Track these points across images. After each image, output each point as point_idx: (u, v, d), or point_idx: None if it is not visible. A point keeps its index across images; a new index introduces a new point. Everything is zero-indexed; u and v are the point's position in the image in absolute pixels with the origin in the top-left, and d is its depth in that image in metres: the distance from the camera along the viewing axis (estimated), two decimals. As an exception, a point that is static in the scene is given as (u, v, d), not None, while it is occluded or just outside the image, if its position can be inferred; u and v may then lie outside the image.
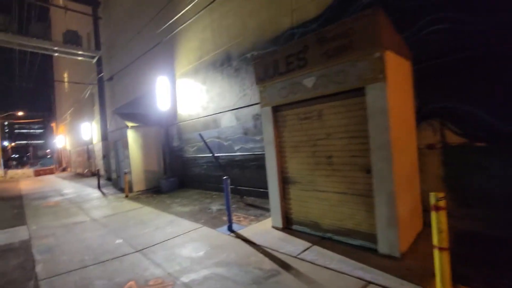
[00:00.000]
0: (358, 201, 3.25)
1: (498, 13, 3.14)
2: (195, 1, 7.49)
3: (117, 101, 13.82)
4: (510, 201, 3.10)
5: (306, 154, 3.81)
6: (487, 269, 2.56)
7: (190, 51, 8.44)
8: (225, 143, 7.21)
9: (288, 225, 4.13)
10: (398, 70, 3.16)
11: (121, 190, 10.12)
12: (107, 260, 3.61)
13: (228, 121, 7.10)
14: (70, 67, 22.80)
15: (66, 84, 25.71)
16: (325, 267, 2.88)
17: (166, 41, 9.08)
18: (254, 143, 6.36)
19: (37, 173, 24.39)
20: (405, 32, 3.77)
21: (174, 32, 8.61)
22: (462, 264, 2.62)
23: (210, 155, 7.71)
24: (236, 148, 6.89)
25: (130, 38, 11.67)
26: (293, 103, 3.85)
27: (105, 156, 14.80)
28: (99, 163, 16.24)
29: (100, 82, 14.84)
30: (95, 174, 17.13)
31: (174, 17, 8.40)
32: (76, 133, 22.82)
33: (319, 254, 3.21)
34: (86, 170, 18.77)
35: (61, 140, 29.48)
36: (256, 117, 6.26)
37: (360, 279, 2.60)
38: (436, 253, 2.17)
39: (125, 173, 8.62)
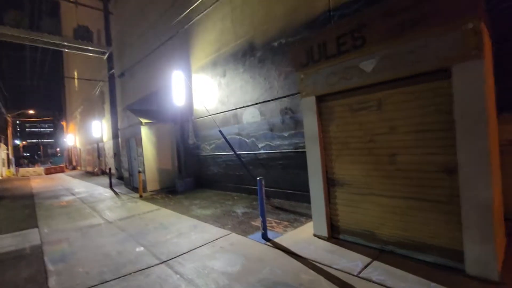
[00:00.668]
0: (434, 208, 2.67)
1: None
2: (214, -12, 6.98)
3: (129, 98, 13.44)
4: None
5: (359, 152, 3.24)
6: None
7: (207, 43, 7.93)
8: (247, 140, 6.68)
9: (334, 234, 3.57)
10: (487, 49, 2.56)
11: (134, 189, 9.71)
12: (130, 274, 3.12)
13: (250, 116, 6.56)
14: (81, 65, 22.62)
15: (76, 82, 25.61)
16: (401, 292, 2.32)
17: (181, 35, 8.61)
18: (282, 140, 5.81)
19: (48, 171, 24.36)
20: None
21: (190, 23, 8.12)
22: None
23: (230, 153, 7.20)
24: (260, 145, 6.35)
25: (142, 32, 11.24)
26: (345, 92, 3.28)
27: (116, 154, 14.47)
28: (110, 162, 15.95)
29: (111, 79, 14.51)
30: (105, 172, 16.85)
31: (190, 6, 7.90)
32: (86, 131, 22.66)
33: (385, 272, 2.64)
34: (96, 169, 18.54)
35: (71, 139, 29.48)
36: (285, 112, 5.71)
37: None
38: None
39: (139, 172, 8.18)
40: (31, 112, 28.86)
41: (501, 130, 3.10)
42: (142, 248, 3.92)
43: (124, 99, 13.98)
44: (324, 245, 3.44)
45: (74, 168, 27.50)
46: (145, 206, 6.77)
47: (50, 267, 3.48)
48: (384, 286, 2.43)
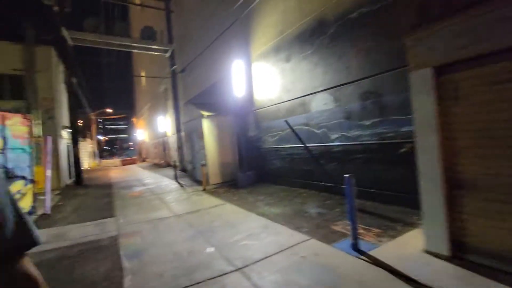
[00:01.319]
0: None
1: None
2: (278, -37, 6.30)
3: (189, 93, 13.83)
4: None
5: (507, 143, 2.25)
6: None
7: (268, 28, 7.33)
8: (317, 131, 5.93)
9: (458, 253, 2.65)
10: None
11: (197, 181, 9.87)
12: (203, 281, 2.77)
13: (321, 103, 5.78)
14: (147, 65, 24.53)
15: (143, 82, 28.03)
16: None
17: (240, 22, 8.20)
18: (362, 130, 4.91)
19: (123, 163, 27.46)
20: None
21: (250, 7, 7.62)
22: None
23: (295, 145, 6.55)
24: (333, 136, 5.54)
25: (201, 25, 11.26)
26: (483, 57, 2.31)
27: (179, 148, 15.18)
28: (174, 154, 16.90)
29: (173, 75, 15.16)
30: (170, 164, 17.98)
31: (250, -11, 7.39)
32: (153, 127, 24.66)
33: None
34: (162, 161, 19.95)
35: (140, 134, 32.64)
36: (366, 96, 4.79)
37: None
38: None
39: (202, 165, 8.16)
40: (108, 110, 32.85)
41: None
42: (212, 249, 3.59)
43: (185, 94, 14.47)
44: (446, 267, 2.56)
45: (143, 160, 30.43)
46: (209, 200, 6.64)
47: (125, 263, 3.39)
48: None
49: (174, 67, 14.94)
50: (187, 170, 11.65)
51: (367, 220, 4.08)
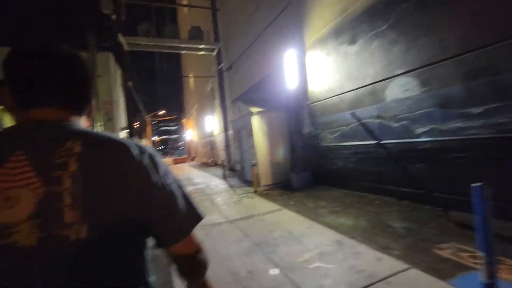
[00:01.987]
0: None
1: None
2: None
3: (236, 90, 13.49)
4: None
5: None
6: None
7: (326, 8, 6.39)
8: (394, 125, 4.83)
9: None
10: None
11: (246, 182, 9.37)
12: (275, 323, 2.08)
13: (399, 90, 4.67)
14: (194, 66, 25.24)
15: (191, 84, 29.02)
16: None
17: (291, 7, 7.39)
18: (466, 121, 3.72)
19: (175, 162, 28.83)
20: None
21: (305, -13, 6.76)
22: None
23: (364, 143, 5.52)
24: (418, 131, 4.41)
25: (248, 19, 10.73)
26: None
27: (227, 147, 15.00)
28: (221, 154, 16.84)
29: (220, 73, 15.03)
30: (217, 164, 18.04)
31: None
32: (201, 127, 25.29)
33: None
34: (210, 160, 20.18)
35: (189, 134, 34.01)
36: (473, 76, 3.59)
37: None
38: None
39: (253, 165, 7.59)
40: (161, 113, 35.08)
41: None
42: (277, 271, 2.89)
43: (232, 92, 14.19)
44: None
45: (192, 159, 31.59)
46: (263, 204, 6.00)
47: (176, 280, 2.89)
48: None
49: (220, 66, 14.79)
50: (236, 170, 11.27)
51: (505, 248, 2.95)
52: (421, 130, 4.36)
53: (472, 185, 2.14)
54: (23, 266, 0.48)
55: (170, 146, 74.45)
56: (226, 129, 14.98)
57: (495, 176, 3.39)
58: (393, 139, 4.88)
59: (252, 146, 8.42)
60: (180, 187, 0.70)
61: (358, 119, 5.53)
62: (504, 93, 3.28)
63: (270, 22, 8.49)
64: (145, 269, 0.64)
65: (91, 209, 0.52)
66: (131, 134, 13.37)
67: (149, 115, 34.01)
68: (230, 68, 13.59)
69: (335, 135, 6.47)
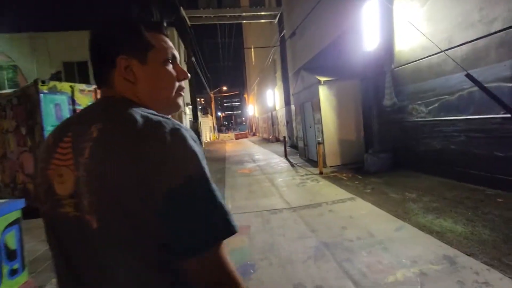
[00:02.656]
0: None
1: None
2: None
3: (300, 59, 12.21)
4: None
5: None
6: None
7: None
8: (543, 89, 3.19)
9: None
10: None
11: (310, 161, 8.50)
12: None
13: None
14: (255, 40, 24.32)
15: (252, 58, 28.39)
16: None
17: None
18: None
19: (237, 137, 29.53)
20: None
21: None
22: None
23: (480, 117, 3.97)
24: None
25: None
26: None
27: (288, 122, 14.15)
28: (282, 129, 16.11)
29: (282, 42, 13.89)
30: (278, 140, 17.46)
31: None
32: (262, 101, 24.81)
33: None
34: (271, 136, 19.73)
35: (251, 109, 34.10)
36: None
37: None
38: None
39: (319, 143, 6.62)
40: (224, 88, 35.84)
41: None
42: (358, 292, 2.09)
43: (295, 62, 12.95)
44: None
45: (254, 134, 31.85)
46: (331, 190, 5.11)
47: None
48: None
49: (283, 33, 13.56)
50: (299, 147, 10.44)
51: None
52: None
53: None
54: (70, 233, 0.54)
55: (233, 122, 77.37)
56: (287, 103, 14.06)
57: None
58: (538, 111, 3.27)
59: (319, 121, 7.38)
60: (206, 188, 0.51)
61: (475, 84, 3.95)
62: None
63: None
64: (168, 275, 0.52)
65: (96, 200, 0.51)
66: (194, 109, 13.69)
67: (213, 92, 35.15)
68: (293, 34, 12.27)
69: (432, 107, 4.93)
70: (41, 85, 4.45)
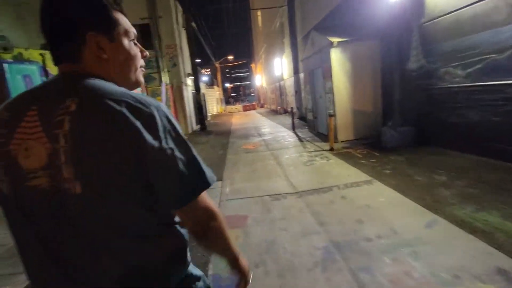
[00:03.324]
0: None
1: None
2: None
3: (310, 21, 10.89)
4: None
5: None
6: None
7: None
8: None
9: None
10: None
11: (319, 135, 7.78)
12: None
13: None
14: (262, 3, 22.35)
15: (259, 23, 26.41)
16: None
17: None
18: None
19: (245, 108, 28.62)
20: None
21: None
22: None
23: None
24: None
25: None
26: None
27: (297, 92, 13.18)
28: (291, 100, 15.16)
29: (290, 1, 12.42)
30: (286, 111, 16.55)
31: None
32: (269, 71, 23.46)
33: None
34: (279, 107, 18.80)
35: (258, 79, 32.65)
36: None
37: None
38: None
39: (330, 116, 5.84)
40: (230, 57, 34.08)
41: None
42: (382, 326, 1.53)
43: (305, 24, 11.63)
44: None
45: (262, 106, 30.80)
46: (343, 170, 4.46)
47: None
48: None
49: (291, -9, 12.08)
50: (307, 120, 9.66)
51: None
52: None
53: None
54: (44, 205, 0.55)
55: (241, 93, 75.54)
56: (296, 72, 12.98)
57: None
58: None
59: (330, 90, 6.53)
60: (185, 148, 0.62)
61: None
62: None
63: None
64: (161, 230, 0.64)
65: (81, 168, 0.54)
66: (196, 80, 12.85)
67: (219, 61, 33.58)
68: (302, -9, 10.84)
69: (471, 69, 4.02)
70: (3, 52, 3.80)
